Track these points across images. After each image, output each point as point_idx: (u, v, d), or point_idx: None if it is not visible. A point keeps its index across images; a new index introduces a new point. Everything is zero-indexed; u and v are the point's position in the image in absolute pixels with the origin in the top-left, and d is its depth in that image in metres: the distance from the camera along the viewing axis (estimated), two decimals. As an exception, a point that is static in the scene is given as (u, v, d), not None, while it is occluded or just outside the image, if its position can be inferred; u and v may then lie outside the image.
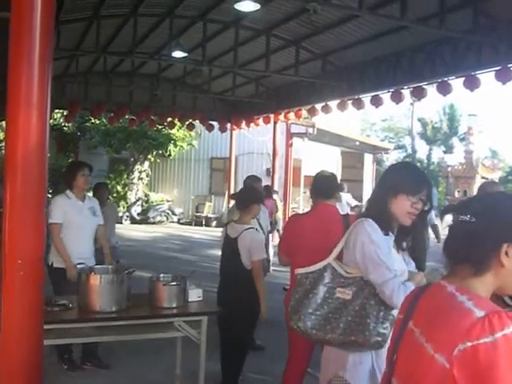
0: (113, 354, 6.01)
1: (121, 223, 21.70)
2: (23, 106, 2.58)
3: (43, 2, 2.59)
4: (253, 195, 5.33)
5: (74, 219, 5.68)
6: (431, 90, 10.06)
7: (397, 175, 2.97)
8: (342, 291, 2.82)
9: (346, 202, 17.68)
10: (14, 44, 2.61)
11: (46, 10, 2.60)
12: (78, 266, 4.69)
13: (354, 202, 17.97)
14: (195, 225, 23.87)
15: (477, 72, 8.65)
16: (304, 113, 13.98)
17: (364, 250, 2.77)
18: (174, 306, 4.45)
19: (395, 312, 2.69)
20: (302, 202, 21.77)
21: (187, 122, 15.66)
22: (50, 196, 18.97)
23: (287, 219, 5.07)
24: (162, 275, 4.69)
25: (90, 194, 6.91)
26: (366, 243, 2.76)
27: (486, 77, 8.68)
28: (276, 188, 16.85)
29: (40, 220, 2.66)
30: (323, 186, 4.76)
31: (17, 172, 2.58)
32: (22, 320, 2.62)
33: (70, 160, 24.85)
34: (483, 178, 33.02)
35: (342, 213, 4.71)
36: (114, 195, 23.63)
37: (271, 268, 7.49)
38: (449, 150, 47.34)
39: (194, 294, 4.68)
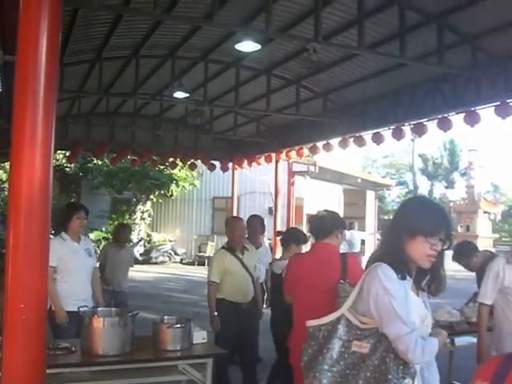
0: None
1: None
2: (27, 147, 2.58)
3: (48, 45, 2.60)
4: (294, 236, 6.14)
5: (70, 261, 5.66)
6: (432, 126, 10.09)
7: (413, 215, 2.72)
8: (358, 344, 2.61)
9: (359, 239, 17.69)
10: (19, 86, 2.62)
11: (50, 54, 2.62)
12: (81, 309, 4.63)
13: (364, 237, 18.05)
14: (198, 265, 23.73)
15: (477, 107, 8.69)
16: (306, 151, 14.00)
17: (378, 300, 2.57)
18: (179, 348, 4.39)
19: (416, 365, 2.58)
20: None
21: (189, 162, 15.70)
22: (52, 237, 18.80)
23: (289, 259, 5.14)
24: (166, 317, 4.63)
25: (92, 234, 6.88)
26: (380, 293, 2.57)
27: (486, 112, 8.74)
28: (279, 226, 16.83)
29: (44, 263, 2.63)
30: (318, 226, 4.77)
31: (20, 214, 2.56)
32: (23, 365, 2.56)
33: (72, 200, 24.93)
34: (485, 212, 32.99)
35: (353, 250, 4.78)
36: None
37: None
38: (450, 185, 47.43)
39: (199, 336, 4.62)
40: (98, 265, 6.12)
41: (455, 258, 6.52)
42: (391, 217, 3.04)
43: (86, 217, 5.90)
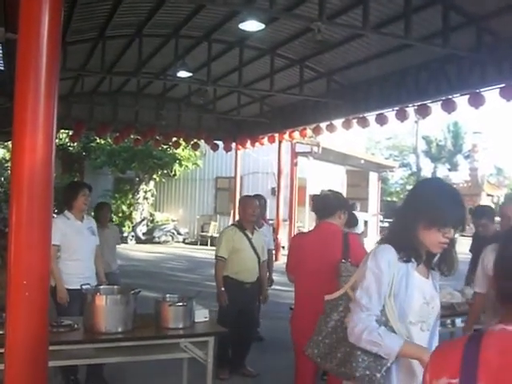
0: (119, 376, 5.95)
1: (126, 243, 21.68)
2: (29, 126, 2.59)
3: (50, 23, 2.60)
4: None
5: (74, 240, 5.67)
6: (436, 107, 10.07)
7: (428, 203, 2.61)
8: (347, 320, 2.68)
9: (361, 221, 17.76)
10: (21, 65, 2.62)
11: (52, 32, 2.61)
12: (84, 287, 4.65)
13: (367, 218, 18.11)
14: (200, 244, 23.79)
15: (481, 89, 8.66)
16: (309, 132, 13.98)
17: (365, 274, 2.60)
18: (181, 326, 4.41)
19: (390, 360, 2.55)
20: (307, 221, 21.71)
21: (192, 142, 15.69)
22: (55, 216, 18.84)
23: (291, 239, 5.15)
24: (168, 296, 4.66)
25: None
26: (369, 270, 2.58)
27: (491, 94, 8.71)
28: (281, 207, 16.84)
29: (46, 241, 2.65)
30: (321, 205, 4.77)
31: (23, 193, 2.57)
32: (26, 341, 2.60)
33: (76, 180, 24.95)
34: (489, 195, 32.98)
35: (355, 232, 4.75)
36: (120, 215, 23.63)
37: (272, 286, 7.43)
38: (454, 167, 47.29)
39: (201, 315, 4.65)
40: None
41: (478, 216, 6.55)
42: (394, 198, 3.01)
43: (89, 194, 5.91)
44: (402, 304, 2.58)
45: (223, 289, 6.09)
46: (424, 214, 2.58)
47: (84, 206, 5.80)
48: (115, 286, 4.88)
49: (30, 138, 2.59)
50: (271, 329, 7.79)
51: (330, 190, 5.01)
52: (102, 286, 4.64)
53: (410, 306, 2.59)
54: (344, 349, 2.69)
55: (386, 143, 54.71)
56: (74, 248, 5.65)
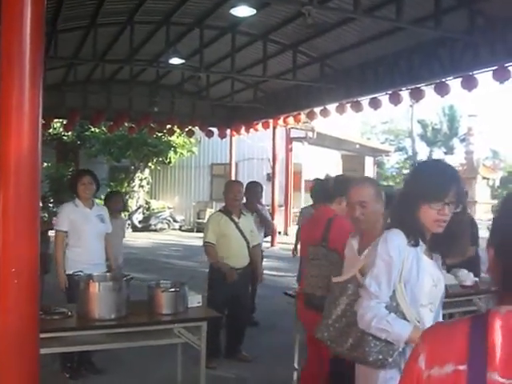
0: (113, 362, 5.99)
1: (122, 231, 21.65)
2: (15, 114, 2.59)
3: (33, 10, 2.59)
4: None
5: (81, 226, 5.74)
6: (430, 91, 10.06)
7: (418, 181, 2.65)
8: (357, 307, 2.68)
9: None
10: (4, 53, 2.61)
11: (36, 17, 2.60)
12: (76, 274, 4.67)
13: None
14: (197, 231, 23.78)
15: (474, 72, 8.65)
16: (303, 117, 13.97)
17: (375, 261, 2.60)
18: (174, 312, 4.42)
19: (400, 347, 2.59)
20: (303, 206, 21.73)
21: (186, 129, 15.66)
22: (51, 205, 18.76)
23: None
24: (161, 282, 4.67)
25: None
26: (379, 256, 2.59)
27: (484, 76, 8.70)
28: (277, 192, 16.83)
29: (34, 228, 2.65)
30: (320, 190, 4.77)
31: (9, 181, 2.58)
32: (17, 328, 2.61)
33: (71, 169, 24.90)
34: (484, 178, 33.03)
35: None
36: (115, 203, 23.61)
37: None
38: (449, 151, 47.31)
39: (194, 300, 4.66)
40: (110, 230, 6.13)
41: None
42: (390, 183, 3.01)
43: (91, 181, 5.92)
44: (413, 288, 2.59)
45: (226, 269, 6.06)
46: (417, 192, 2.59)
47: (85, 193, 5.83)
48: (107, 273, 4.90)
49: (15, 125, 2.59)
50: (266, 314, 7.82)
51: (338, 176, 4.98)
52: (95, 274, 4.64)
53: (422, 289, 2.61)
54: (355, 334, 2.70)
55: (381, 127, 54.65)
56: (80, 234, 5.71)
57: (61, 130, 22.74)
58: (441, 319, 2.74)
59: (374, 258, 2.62)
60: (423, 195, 2.56)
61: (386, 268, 2.56)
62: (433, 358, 1.33)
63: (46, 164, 23.92)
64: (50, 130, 20.31)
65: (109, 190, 22.95)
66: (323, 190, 4.73)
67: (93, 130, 23.09)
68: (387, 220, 4.70)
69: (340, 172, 26.63)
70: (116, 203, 7.29)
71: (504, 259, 1.35)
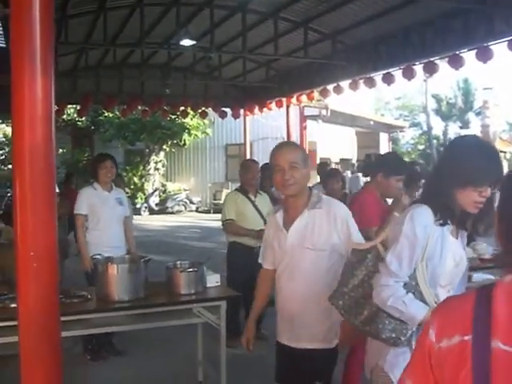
0: (133, 343, 6.07)
1: (140, 215, 21.82)
2: (28, 101, 2.59)
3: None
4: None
5: (100, 209, 5.84)
6: (443, 64, 9.94)
7: (462, 162, 2.52)
8: (374, 282, 2.64)
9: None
10: (15, 39, 2.62)
11: (44, 4, 2.60)
12: (95, 257, 4.73)
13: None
14: (213, 212, 23.89)
15: (489, 43, 8.52)
16: (316, 95, 13.88)
17: (399, 238, 2.55)
18: (193, 292, 4.46)
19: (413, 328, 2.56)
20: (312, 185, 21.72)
21: (200, 110, 15.65)
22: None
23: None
24: (178, 262, 4.71)
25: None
26: (403, 234, 2.54)
27: (499, 48, 8.57)
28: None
29: (51, 211, 2.68)
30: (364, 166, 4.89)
31: (25, 166, 2.59)
32: (37, 312, 2.64)
33: (87, 154, 25.03)
34: (501, 151, 32.72)
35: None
36: (132, 187, 23.76)
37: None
38: (465, 125, 46.79)
39: (212, 280, 4.70)
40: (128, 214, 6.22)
41: None
42: (405, 158, 2.93)
43: (112, 165, 5.99)
44: (435, 268, 2.56)
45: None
46: (459, 173, 2.50)
47: (106, 177, 5.95)
48: (126, 255, 4.95)
49: (28, 113, 2.60)
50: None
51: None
52: (115, 256, 4.69)
53: (443, 270, 2.58)
54: (370, 307, 2.66)
55: (395, 103, 54.17)
56: (99, 217, 5.82)
57: (75, 115, 22.86)
58: None
59: (398, 234, 2.57)
60: (467, 178, 2.49)
61: (409, 247, 2.52)
62: (442, 330, 1.35)
63: (61, 150, 24.11)
64: (64, 116, 20.43)
65: (124, 174, 23.14)
66: (367, 166, 4.83)
67: (106, 114, 23.18)
68: (402, 199, 4.68)
69: (355, 149, 26.54)
70: (118, 185, 7.32)
71: (507, 227, 1.35)
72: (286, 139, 17.47)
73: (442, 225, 2.54)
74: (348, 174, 18.83)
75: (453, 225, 2.60)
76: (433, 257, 2.54)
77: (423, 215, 2.53)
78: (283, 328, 3.38)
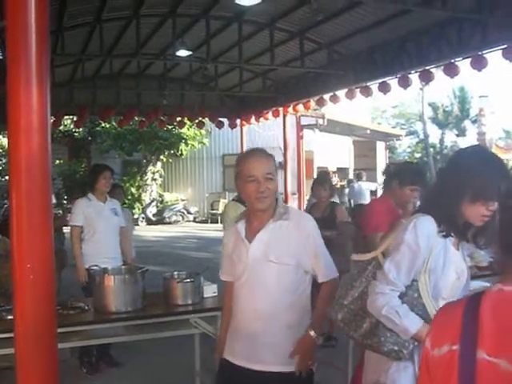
0: (131, 355, 6.05)
1: (137, 225, 21.78)
2: (24, 111, 2.60)
3: (37, 6, 2.60)
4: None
5: (95, 220, 5.83)
6: (439, 73, 9.98)
7: (477, 177, 2.44)
8: (370, 289, 2.58)
9: (368, 190, 17.87)
10: (10, 50, 2.63)
11: (40, 13, 2.62)
12: (92, 268, 4.73)
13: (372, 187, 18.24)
14: (211, 222, 23.89)
15: (483, 51, 8.56)
16: (313, 104, 13.92)
17: (400, 247, 2.50)
18: (190, 302, 4.46)
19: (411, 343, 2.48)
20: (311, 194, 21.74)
21: (197, 121, 15.68)
22: (65, 202, 18.93)
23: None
24: (175, 273, 4.70)
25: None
26: (405, 243, 2.48)
27: (494, 56, 8.61)
28: (289, 180, 16.83)
29: (47, 223, 2.68)
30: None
31: (21, 177, 2.60)
32: (34, 324, 2.63)
33: (83, 165, 25.03)
34: (498, 159, 32.73)
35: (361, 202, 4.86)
36: (129, 197, 23.74)
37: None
38: (461, 133, 46.91)
39: (210, 290, 4.69)
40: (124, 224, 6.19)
41: None
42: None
43: (111, 176, 6.03)
44: (437, 281, 2.51)
45: None
46: (470, 187, 2.44)
47: (105, 188, 5.96)
48: (123, 266, 4.94)
49: (24, 123, 2.61)
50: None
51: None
52: (110, 267, 4.68)
53: (446, 282, 2.53)
54: (370, 320, 2.58)
55: (392, 112, 54.34)
56: (95, 228, 5.80)
57: (71, 126, 22.86)
58: None
59: (399, 243, 2.51)
60: (478, 192, 2.43)
61: (410, 256, 2.47)
62: (435, 339, 1.39)
63: (58, 161, 24.10)
64: (61, 128, 20.41)
65: (122, 184, 23.12)
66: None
67: (103, 125, 23.19)
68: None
69: (352, 158, 26.56)
70: (117, 196, 7.29)
71: (501, 238, 1.38)
72: (282, 149, 17.51)
73: (445, 236, 2.50)
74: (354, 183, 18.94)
75: (455, 237, 2.55)
76: (435, 269, 2.50)
77: (427, 225, 2.49)
78: (239, 347, 3.04)
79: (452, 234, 2.53)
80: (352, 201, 18.10)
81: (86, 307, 4.29)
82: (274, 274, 2.95)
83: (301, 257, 2.99)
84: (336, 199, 9.46)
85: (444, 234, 2.50)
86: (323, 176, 7.26)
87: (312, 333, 2.93)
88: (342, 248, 5.70)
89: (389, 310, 2.45)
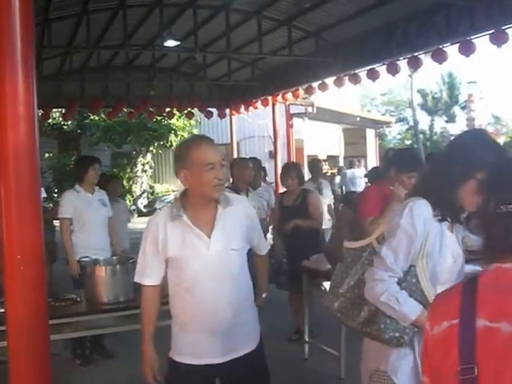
0: (124, 346, 6.05)
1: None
2: (10, 103, 2.60)
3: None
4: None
5: (84, 212, 5.82)
6: (427, 60, 9.99)
7: (472, 159, 2.40)
8: (367, 275, 2.53)
9: (361, 178, 17.93)
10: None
11: (23, 7, 2.60)
12: (83, 259, 4.73)
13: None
14: (202, 213, 23.83)
15: (471, 37, 8.58)
16: (302, 92, 13.91)
17: (396, 232, 2.46)
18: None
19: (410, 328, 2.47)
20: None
21: (186, 111, 15.64)
22: (55, 195, 18.90)
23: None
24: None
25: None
26: (401, 228, 2.45)
27: (482, 41, 8.63)
28: (279, 170, 16.85)
29: (36, 215, 2.68)
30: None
31: (9, 168, 2.60)
32: (26, 315, 2.64)
33: (73, 158, 24.93)
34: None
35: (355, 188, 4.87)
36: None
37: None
38: (451, 119, 47.06)
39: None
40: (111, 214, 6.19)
41: None
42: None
43: (99, 168, 6.04)
44: (434, 265, 2.48)
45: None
46: (473, 174, 2.37)
47: (94, 179, 5.94)
48: (114, 257, 4.94)
49: (11, 115, 2.60)
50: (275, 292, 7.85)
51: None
52: (101, 258, 4.68)
53: (443, 266, 2.50)
54: (368, 307, 2.54)
55: (381, 99, 54.42)
56: (84, 220, 5.80)
57: (60, 119, 22.74)
58: None
59: (395, 227, 2.48)
60: (479, 181, 2.30)
61: (407, 241, 2.44)
62: (433, 319, 1.46)
63: (47, 155, 23.97)
64: (50, 121, 20.30)
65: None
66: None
67: (92, 117, 23.08)
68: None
69: (342, 145, 26.59)
70: (115, 187, 7.31)
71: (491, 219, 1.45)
72: (272, 138, 17.51)
73: (441, 220, 2.48)
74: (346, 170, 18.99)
75: (451, 220, 2.53)
76: (432, 253, 2.47)
77: (422, 209, 2.46)
78: (209, 346, 2.93)
79: (448, 218, 2.50)
80: (344, 187, 18.16)
81: (78, 299, 4.30)
82: (237, 261, 2.96)
83: (250, 238, 3.09)
84: (327, 186, 9.44)
85: (440, 218, 2.47)
86: (287, 166, 7.08)
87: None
88: (338, 235, 5.68)
89: (388, 297, 2.42)
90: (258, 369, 3.07)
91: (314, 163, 9.89)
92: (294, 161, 7.27)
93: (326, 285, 5.59)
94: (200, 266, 2.88)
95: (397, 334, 2.46)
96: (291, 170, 6.68)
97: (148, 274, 3.03)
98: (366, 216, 4.69)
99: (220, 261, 2.90)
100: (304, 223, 6.32)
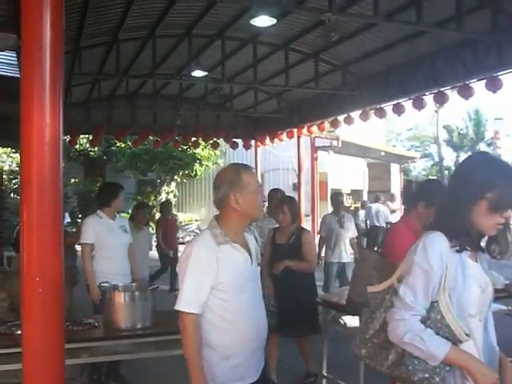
0: (141, 373, 6.00)
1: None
2: (36, 128, 2.62)
3: (52, 24, 2.64)
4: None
5: (106, 238, 5.82)
6: (454, 95, 9.97)
7: (491, 185, 2.34)
8: (389, 317, 2.44)
9: (385, 213, 17.74)
10: (25, 69, 2.66)
11: (55, 31, 2.65)
12: (102, 285, 4.71)
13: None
14: (224, 243, 23.79)
15: (498, 73, 8.54)
16: (327, 125, 13.94)
17: (412, 268, 2.38)
18: (200, 321, 4.42)
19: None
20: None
21: (211, 141, 15.74)
22: (79, 220, 19.06)
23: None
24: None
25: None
26: (417, 264, 2.36)
27: (509, 78, 8.58)
28: (303, 202, 16.79)
29: (57, 237, 2.68)
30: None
31: (32, 190, 2.61)
32: (42, 337, 2.63)
33: (99, 184, 25.16)
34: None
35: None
36: (143, 217, 23.78)
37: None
38: (477, 156, 46.65)
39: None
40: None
41: None
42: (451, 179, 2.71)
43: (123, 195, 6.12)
44: (459, 298, 2.35)
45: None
46: (483, 195, 2.33)
47: (120, 206, 6.00)
48: (133, 284, 4.93)
49: (36, 137, 2.63)
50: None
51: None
52: (120, 284, 4.67)
53: (469, 298, 2.36)
54: (395, 350, 2.42)
55: (406, 134, 54.34)
56: (106, 246, 5.79)
57: (87, 145, 23.02)
58: (491, 327, 2.49)
59: (410, 265, 2.39)
60: (496, 202, 2.32)
61: (423, 277, 2.34)
62: None
63: (73, 180, 24.24)
64: (77, 146, 20.56)
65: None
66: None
67: (118, 144, 23.33)
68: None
69: (367, 180, 26.50)
70: (144, 215, 7.35)
71: None
72: (296, 170, 17.52)
73: (459, 251, 2.36)
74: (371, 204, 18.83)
75: (470, 249, 2.41)
76: (455, 286, 2.34)
77: (437, 242, 2.36)
78: (248, 366, 2.98)
79: (467, 247, 2.39)
80: (368, 222, 18.02)
81: (96, 323, 4.28)
82: (258, 277, 3.12)
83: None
84: (350, 220, 9.36)
85: (458, 248, 2.37)
86: (280, 200, 6.65)
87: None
88: (366, 279, 5.45)
89: (412, 337, 2.31)
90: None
91: (336, 196, 9.85)
92: (289, 195, 7.01)
93: (346, 319, 5.50)
94: (243, 281, 2.97)
95: (426, 375, 2.32)
96: (284, 204, 6.17)
97: (199, 303, 2.96)
98: (395, 259, 4.48)
99: (254, 277, 3.08)
100: (296, 265, 5.83)
